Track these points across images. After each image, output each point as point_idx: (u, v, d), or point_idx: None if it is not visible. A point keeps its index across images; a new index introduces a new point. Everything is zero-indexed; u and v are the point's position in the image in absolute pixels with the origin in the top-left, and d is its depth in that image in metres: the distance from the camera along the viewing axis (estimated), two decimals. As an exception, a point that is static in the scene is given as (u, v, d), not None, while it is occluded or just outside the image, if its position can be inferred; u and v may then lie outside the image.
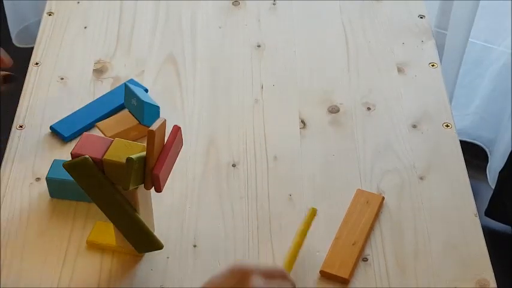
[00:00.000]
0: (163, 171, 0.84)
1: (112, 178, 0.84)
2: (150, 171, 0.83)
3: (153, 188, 0.85)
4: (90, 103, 1.08)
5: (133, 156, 0.81)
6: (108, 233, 0.92)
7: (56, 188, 0.96)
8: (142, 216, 0.87)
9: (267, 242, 0.94)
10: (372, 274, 0.91)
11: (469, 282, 0.90)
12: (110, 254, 0.92)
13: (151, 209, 0.91)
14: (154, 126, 0.81)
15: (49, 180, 0.96)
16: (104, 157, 0.83)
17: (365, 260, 0.92)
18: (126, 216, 0.86)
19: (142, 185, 0.85)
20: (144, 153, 0.83)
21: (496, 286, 0.90)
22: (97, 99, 1.09)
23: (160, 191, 0.85)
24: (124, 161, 0.81)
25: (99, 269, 0.90)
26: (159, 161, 0.83)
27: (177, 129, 0.85)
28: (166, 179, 0.86)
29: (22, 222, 0.95)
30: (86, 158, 0.82)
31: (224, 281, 0.79)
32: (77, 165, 0.83)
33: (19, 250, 0.92)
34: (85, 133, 0.85)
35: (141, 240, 0.88)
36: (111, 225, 0.89)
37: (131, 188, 0.82)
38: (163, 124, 0.83)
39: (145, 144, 0.83)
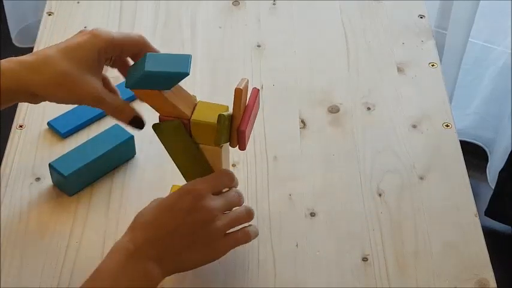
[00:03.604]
0: (248, 129, 0.86)
1: (198, 138, 0.87)
2: (236, 128, 0.86)
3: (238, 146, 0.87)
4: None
5: (224, 113, 0.84)
6: None
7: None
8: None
9: (267, 242, 0.94)
10: (371, 274, 0.91)
11: (469, 282, 0.90)
12: (110, 254, 0.92)
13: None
14: (241, 85, 0.84)
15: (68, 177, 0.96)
16: (192, 119, 0.85)
17: (365, 260, 0.92)
18: (205, 174, 0.88)
19: (225, 144, 0.87)
20: (231, 111, 0.85)
21: (496, 286, 0.90)
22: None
23: (244, 149, 0.87)
24: (211, 120, 0.84)
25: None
26: (244, 119, 0.86)
27: (257, 92, 0.88)
28: (249, 138, 0.88)
29: (22, 222, 0.95)
30: (177, 121, 0.85)
31: (179, 202, 0.83)
32: (166, 127, 0.86)
33: (19, 250, 0.92)
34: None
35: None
36: None
37: (222, 143, 0.86)
38: (247, 83, 0.86)
39: (226, 105, 0.86)
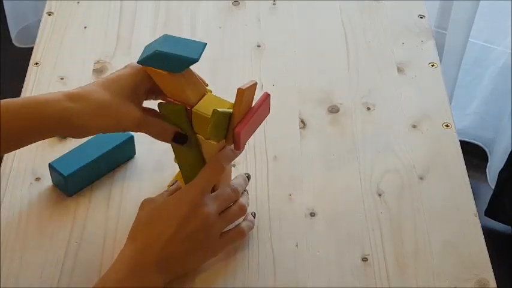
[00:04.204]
0: (245, 131, 0.87)
1: (198, 129, 0.89)
2: (233, 128, 0.86)
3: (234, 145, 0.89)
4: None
5: (219, 110, 0.85)
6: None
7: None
8: None
9: (267, 242, 0.94)
10: (371, 274, 0.91)
11: (469, 282, 0.90)
12: (110, 253, 0.92)
13: (230, 167, 0.95)
14: (244, 86, 0.85)
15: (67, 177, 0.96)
16: (194, 109, 0.87)
17: (365, 260, 0.92)
18: (196, 163, 0.91)
19: (224, 141, 0.88)
20: (231, 110, 0.86)
21: (496, 286, 0.90)
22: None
23: (239, 150, 0.89)
24: (210, 114, 0.85)
25: (99, 269, 0.90)
26: (243, 121, 0.87)
27: (266, 96, 0.89)
28: (247, 140, 0.89)
29: (22, 222, 0.95)
30: (180, 106, 0.87)
31: (175, 210, 0.85)
32: (172, 109, 0.88)
33: (19, 250, 0.92)
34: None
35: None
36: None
37: (212, 139, 0.87)
38: (254, 86, 0.87)
39: (232, 103, 0.87)
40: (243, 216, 0.92)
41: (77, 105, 0.84)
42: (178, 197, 0.87)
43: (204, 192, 0.87)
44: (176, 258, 0.85)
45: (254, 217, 0.94)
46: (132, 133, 1.01)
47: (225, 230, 0.90)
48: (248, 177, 0.95)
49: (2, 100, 0.83)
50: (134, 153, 1.02)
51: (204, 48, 0.87)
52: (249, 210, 0.96)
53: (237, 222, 0.92)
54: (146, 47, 0.88)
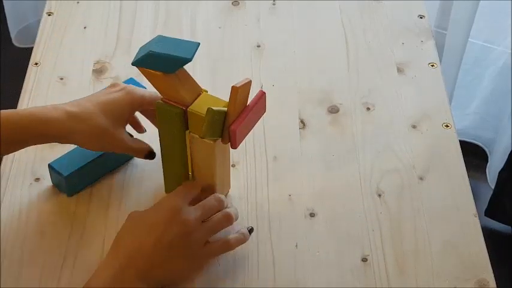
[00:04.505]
0: (241, 129, 0.87)
1: (193, 128, 0.89)
2: (228, 126, 0.87)
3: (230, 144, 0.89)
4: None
5: (214, 108, 0.85)
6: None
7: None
8: (218, 170, 0.92)
9: (267, 242, 0.94)
10: (371, 274, 0.91)
11: (469, 282, 0.90)
12: (109, 254, 0.92)
13: (228, 167, 0.97)
14: (238, 84, 0.85)
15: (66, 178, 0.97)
16: (189, 108, 0.88)
17: (365, 260, 0.92)
18: (178, 165, 0.93)
19: (220, 140, 0.89)
20: (226, 108, 0.87)
21: (495, 286, 0.90)
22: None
23: (235, 148, 0.88)
24: (204, 112, 0.86)
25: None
26: (238, 119, 0.87)
27: (261, 94, 0.89)
28: (243, 138, 0.89)
29: (22, 222, 0.95)
30: (179, 109, 0.88)
31: (155, 218, 0.86)
32: (167, 110, 0.89)
33: (19, 250, 0.92)
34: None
35: (176, 185, 0.93)
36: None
37: (207, 137, 0.87)
38: (248, 84, 0.87)
39: (226, 102, 0.87)
40: (240, 230, 0.91)
41: (78, 125, 0.90)
42: (158, 206, 0.87)
43: (184, 200, 0.88)
44: (158, 267, 0.84)
45: (250, 232, 0.92)
46: (132, 134, 1.01)
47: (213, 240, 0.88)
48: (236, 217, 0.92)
49: (3, 111, 0.89)
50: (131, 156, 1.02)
51: (197, 48, 0.87)
52: (249, 210, 0.96)
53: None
54: (141, 48, 0.88)
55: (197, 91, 0.90)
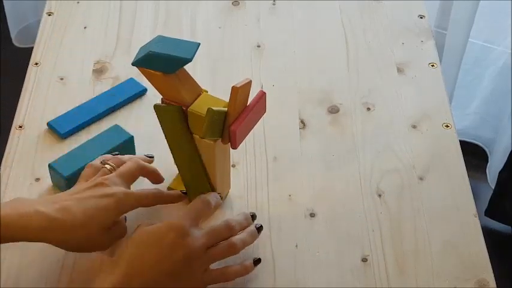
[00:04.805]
0: (241, 129, 0.87)
1: (194, 129, 0.89)
2: (228, 126, 0.87)
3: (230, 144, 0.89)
4: (88, 101, 1.08)
5: (214, 108, 0.85)
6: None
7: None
8: (218, 171, 0.92)
9: (267, 242, 0.94)
10: (371, 274, 0.91)
11: (469, 282, 0.90)
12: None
13: (229, 167, 0.97)
14: (239, 84, 0.85)
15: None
16: (189, 108, 0.88)
17: (365, 260, 0.92)
18: (192, 164, 0.92)
19: (220, 140, 0.89)
20: (226, 108, 0.87)
21: (495, 286, 0.90)
22: (95, 97, 1.09)
23: (236, 148, 0.89)
24: (204, 112, 0.86)
25: (99, 269, 0.90)
26: (239, 119, 0.87)
27: (262, 94, 0.90)
28: (243, 138, 0.90)
29: (22, 222, 0.95)
30: (179, 107, 0.88)
31: (162, 238, 0.84)
32: (165, 111, 0.89)
33: (19, 250, 0.92)
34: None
35: (196, 188, 0.93)
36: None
37: (207, 137, 0.88)
38: (248, 84, 0.87)
39: (226, 102, 0.88)
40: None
41: (58, 236, 0.83)
42: (166, 226, 0.84)
43: (194, 222, 0.86)
44: (156, 286, 0.82)
45: (256, 264, 0.89)
46: (132, 133, 1.01)
47: (215, 266, 0.87)
48: (253, 216, 0.92)
49: None
50: (134, 153, 1.02)
51: (197, 48, 0.87)
52: (249, 210, 0.96)
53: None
54: (141, 49, 0.88)
55: (197, 91, 0.90)
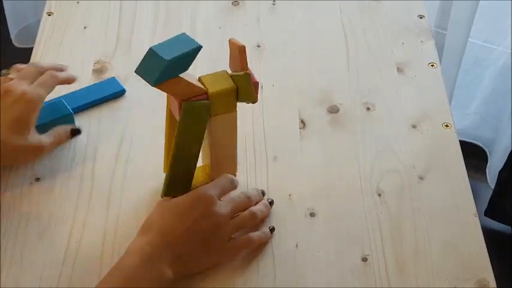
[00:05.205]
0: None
1: (218, 109, 0.90)
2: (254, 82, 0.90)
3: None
4: (66, 94, 1.08)
5: (240, 73, 0.89)
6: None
7: None
8: (232, 142, 0.95)
9: (267, 242, 0.94)
10: (371, 274, 0.91)
11: (469, 282, 0.90)
12: (109, 253, 0.92)
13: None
14: (238, 43, 0.90)
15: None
16: (210, 91, 0.89)
17: (365, 260, 0.92)
18: (193, 162, 0.93)
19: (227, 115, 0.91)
20: (242, 72, 0.90)
21: (495, 286, 0.90)
22: (72, 92, 1.09)
23: (256, 101, 0.92)
24: (229, 86, 0.89)
25: (99, 269, 0.90)
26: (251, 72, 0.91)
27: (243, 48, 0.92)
28: None
29: (22, 222, 0.95)
30: (207, 102, 0.89)
31: (191, 207, 0.87)
32: (196, 107, 0.88)
33: (19, 250, 0.92)
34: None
35: (177, 187, 0.93)
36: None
37: (252, 100, 0.91)
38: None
39: (224, 70, 0.91)
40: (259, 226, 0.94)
41: None
42: (195, 196, 0.88)
43: (220, 194, 0.90)
44: (189, 255, 0.86)
45: (272, 232, 0.94)
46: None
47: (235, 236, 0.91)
48: (263, 193, 0.97)
49: None
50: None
51: (190, 36, 0.87)
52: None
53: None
54: (142, 69, 0.85)
55: (195, 77, 0.90)
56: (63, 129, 1.00)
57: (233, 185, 0.94)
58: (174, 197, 0.90)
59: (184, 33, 0.87)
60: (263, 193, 0.97)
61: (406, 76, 1.15)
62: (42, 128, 0.98)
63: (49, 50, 1.17)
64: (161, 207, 0.89)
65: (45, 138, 0.97)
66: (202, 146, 0.96)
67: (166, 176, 0.93)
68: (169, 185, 0.93)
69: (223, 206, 0.89)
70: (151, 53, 0.84)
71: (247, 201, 0.93)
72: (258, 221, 0.93)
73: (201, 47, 0.85)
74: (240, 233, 0.91)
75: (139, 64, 0.86)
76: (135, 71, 0.86)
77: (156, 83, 0.85)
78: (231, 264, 0.91)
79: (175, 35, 0.88)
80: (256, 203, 0.94)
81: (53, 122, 1.01)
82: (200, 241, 0.87)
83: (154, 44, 0.85)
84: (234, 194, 0.93)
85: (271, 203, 0.96)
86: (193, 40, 0.86)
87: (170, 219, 0.87)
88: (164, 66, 0.83)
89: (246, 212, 0.92)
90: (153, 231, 0.86)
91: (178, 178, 0.93)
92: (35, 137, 0.95)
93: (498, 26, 1.79)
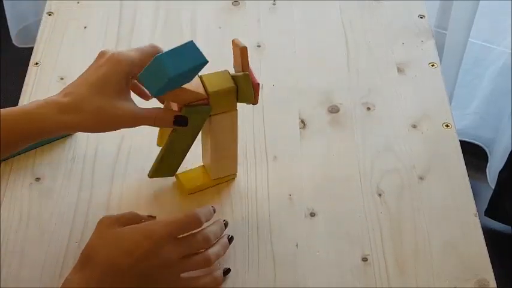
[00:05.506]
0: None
1: (219, 108, 0.91)
2: (254, 83, 0.91)
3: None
4: None
5: (240, 73, 0.90)
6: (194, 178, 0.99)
7: None
8: (232, 142, 0.96)
9: (267, 242, 0.94)
10: (371, 274, 0.91)
11: (469, 282, 0.90)
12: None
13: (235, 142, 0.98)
14: (240, 43, 0.91)
15: None
16: (209, 91, 0.89)
17: (365, 260, 0.92)
18: (182, 155, 0.95)
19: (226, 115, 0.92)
20: (242, 73, 0.90)
21: (495, 286, 0.90)
22: None
23: (256, 103, 0.92)
24: (229, 85, 0.90)
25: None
26: (251, 74, 0.91)
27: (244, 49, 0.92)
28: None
29: (22, 222, 0.95)
30: (208, 107, 0.90)
31: (139, 243, 0.82)
32: (196, 112, 0.90)
33: (19, 250, 0.92)
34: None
35: (165, 172, 0.96)
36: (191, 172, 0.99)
37: (251, 101, 0.92)
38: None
39: (226, 70, 0.92)
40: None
41: (72, 117, 0.85)
42: (145, 230, 0.83)
43: (172, 235, 0.84)
44: None
45: (230, 241, 0.91)
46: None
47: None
48: (225, 225, 0.92)
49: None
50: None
51: (198, 47, 0.86)
52: (249, 210, 0.96)
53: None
54: (145, 77, 0.86)
55: (196, 81, 0.90)
56: (167, 112, 0.91)
57: (197, 225, 0.86)
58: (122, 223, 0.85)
59: (192, 42, 0.86)
60: (226, 225, 0.92)
61: (406, 76, 1.15)
62: (178, 79, 0.86)
63: (49, 50, 1.17)
64: (103, 237, 0.83)
65: (141, 111, 0.88)
66: (203, 146, 0.96)
67: (156, 160, 0.95)
68: (158, 169, 0.95)
69: (173, 248, 0.83)
70: (157, 63, 0.84)
71: (205, 243, 0.87)
72: (210, 266, 0.87)
73: (207, 62, 0.85)
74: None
75: (144, 70, 0.86)
76: (138, 77, 0.87)
77: (158, 94, 0.87)
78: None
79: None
80: (217, 239, 0.89)
81: (191, 71, 0.89)
82: (144, 279, 0.81)
83: (163, 54, 0.85)
84: (193, 232, 0.86)
85: (230, 239, 0.91)
86: (200, 53, 0.86)
87: (112, 253, 0.81)
88: (167, 80, 0.84)
89: (201, 257, 0.86)
90: (90, 266, 0.81)
91: (168, 164, 0.95)
92: (125, 105, 0.87)
93: (498, 26, 1.79)
